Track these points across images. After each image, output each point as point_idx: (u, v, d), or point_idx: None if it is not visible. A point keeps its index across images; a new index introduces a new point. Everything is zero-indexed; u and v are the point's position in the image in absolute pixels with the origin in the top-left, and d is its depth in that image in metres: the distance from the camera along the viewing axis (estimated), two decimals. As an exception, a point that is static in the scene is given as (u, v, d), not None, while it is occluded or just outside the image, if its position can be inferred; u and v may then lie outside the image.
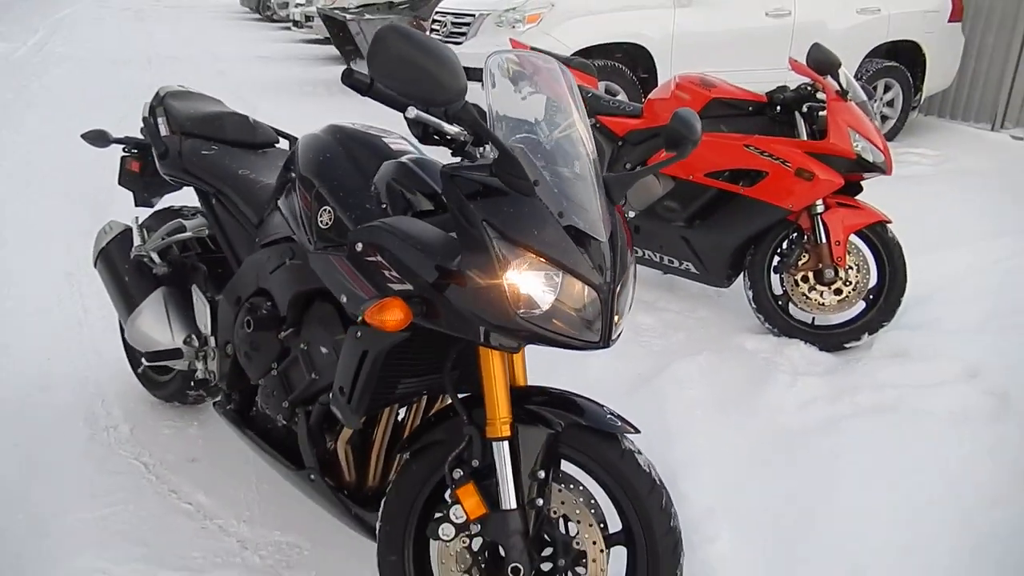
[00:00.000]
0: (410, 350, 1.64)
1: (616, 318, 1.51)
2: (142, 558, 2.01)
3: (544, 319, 1.42)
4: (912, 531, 2.10)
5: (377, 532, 1.68)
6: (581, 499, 1.60)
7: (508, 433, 1.54)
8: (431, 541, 1.67)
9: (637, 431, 1.59)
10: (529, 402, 1.60)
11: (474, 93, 1.33)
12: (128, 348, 2.73)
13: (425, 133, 1.50)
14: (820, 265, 3.15)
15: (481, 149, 1.54)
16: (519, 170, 1.41)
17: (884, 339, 3.18)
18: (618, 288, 1.50)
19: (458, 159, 1.54)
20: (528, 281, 1.41)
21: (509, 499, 1.52)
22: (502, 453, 1.53)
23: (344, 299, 1.58)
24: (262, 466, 2.20)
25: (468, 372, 1.74)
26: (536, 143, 1.50)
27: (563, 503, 1.59)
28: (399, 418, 1.96)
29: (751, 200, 3.21)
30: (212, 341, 2.18)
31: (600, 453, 1.57)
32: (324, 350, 1.75)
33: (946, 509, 2.21)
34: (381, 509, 1.69)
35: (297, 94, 8.01)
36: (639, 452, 1.60)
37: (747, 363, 3.07)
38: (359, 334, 1.60)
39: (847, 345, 3.17)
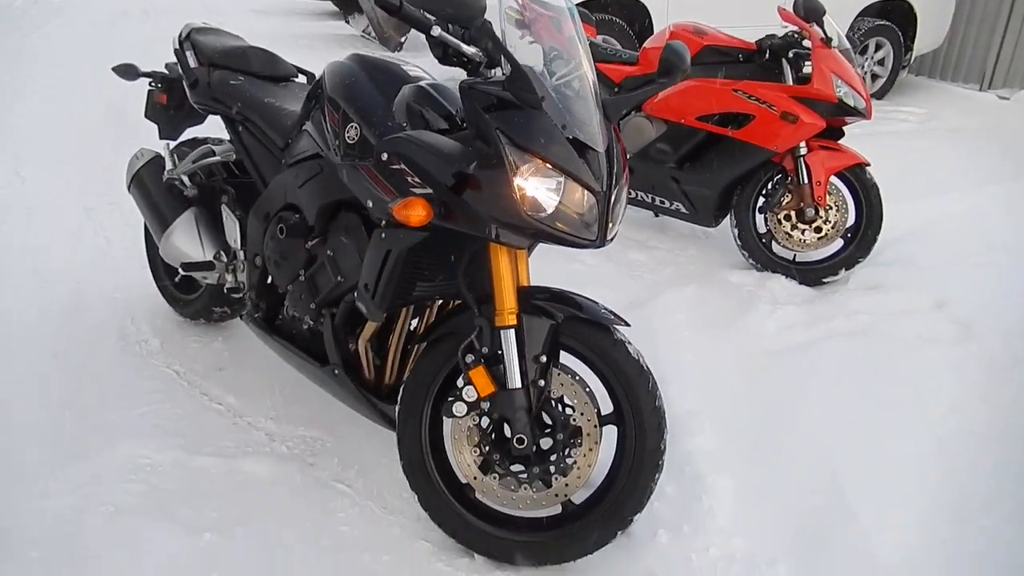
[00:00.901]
0: (427, 253, 1.85)
1: (611, 224, 1.71)
2: (180, 447, 2.24)
3: (549, 219, 1.63)
4: (882, 437, 2.33)
5: (397, 414, 1.90)
6: (577, 384, 1.82)
7: (514, 322, 1.75)
8: (444, 421, 1.89)
9: (627, 324, 1.81)
10: (533, 298, 1.81)
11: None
12: (156, 273, 2.93)
13: (445, 53, 1.69)
14: (802, 204, 3.35)
15: (494, 71, 1.72)
16: (529, 85, 1.60)
17: (860, 274, 3.40)
18: (613, 195, 1.70)
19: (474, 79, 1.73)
20: (535, 184, 1.61)
21: (514, 379, 1.74)
22: (509, 340, 1.75)
23: (370, 204, 1.78)
24: (285, 374, 2.42)
25: (477, 278, 1.94)
26: (543, 68, 1.69)
27: (562, 386, 1.82)
28: (411, 327, 2.17)
29: (739, 142, 3.40)
30: (241, 255, 2.38)
31: (595, 342, 1.79)
32: (349, 255, 1.96)
33: (914, 418, 2.44)
34: (401, 393, 1.91)
35: (293, 47, 8.04)
36: (629, 342, 1.82)
37: (731, 294, 3.29)
38: (383, 235, 1.80)
39: (825, 280, 3.39)
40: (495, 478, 1.83)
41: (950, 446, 2.31)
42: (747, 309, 3.15)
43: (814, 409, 2.49)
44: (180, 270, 2.46)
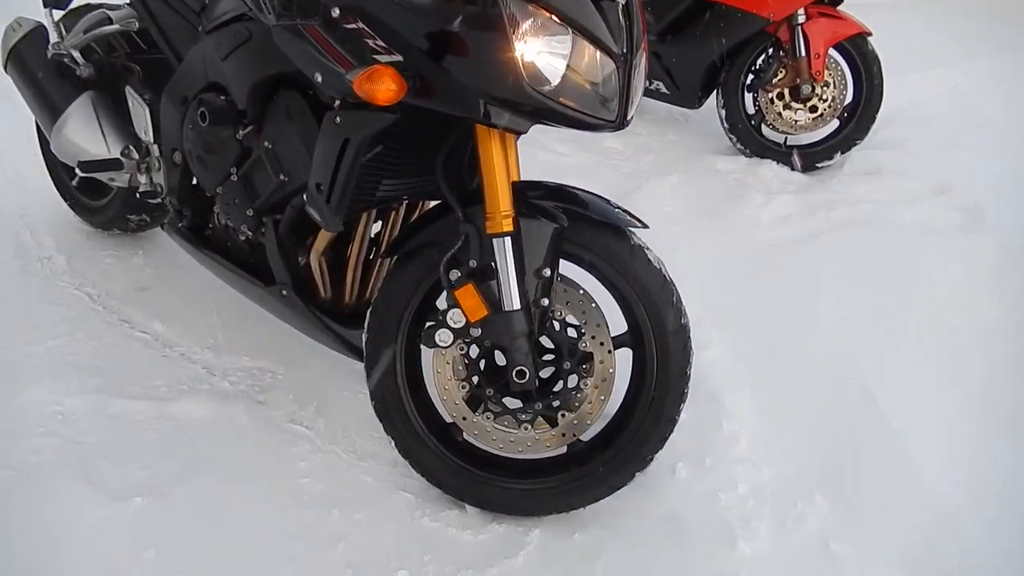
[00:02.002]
0: (396, 141, 1.46)
1: (632, 100, 1.34)
2: (98, 388, 1.85)
3: (556, 92, 1.25)
4: (899, 335, 2.10)
5: (364, 344, 1.56)
6: (584, 300, 1.50)
7: (511, 228, 1.40)
8: (423, 351, 1.56)
9: (645, 226, 1.47)
10: (529, 196, 1.45)
11: None
12: (55, 174, 2.44)
13: None
14: (797, 80, 3.02)
15: None
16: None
17: (856, 158, 3.13)
18: (634, 62, 1.32)
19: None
20: (539, 46, 1.22)
21: (512, 299, 1.41)
22: (504, 250, 1.40)
23: (319, 78, 1.36)
24: (222, 294, 2.03)
25: (462, 173, 1.57)
26: None
27: (568, 304, 1.49)
28: (374, 234, 1.80)
29: (730, 9, 3.00)
30: (155, 150, 1.93)
31: (609, 249, 1.45)
32: (293, 146, 1.55)
33: (922, 311, 2.22)
34: (367, 319, 1.56)
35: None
36: (648, 248, 1.49)
37: (720, 183, 2.99)
38: (338, 119, 1.39)
39: (820, 164, 3.11)
40: (488, 417, 1.52)
41: (968, 341, 2.10)
42: (739, 199, 2.86)
43: (823, 307, 2.24)
44: (78, 171, 1.99)
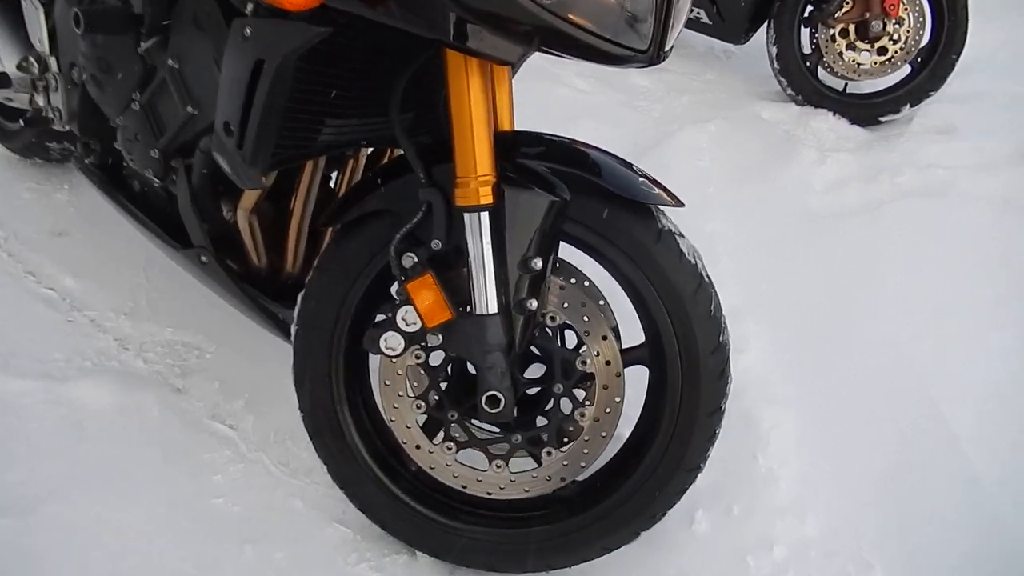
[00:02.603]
0: (331, 67, 1.04)
1: (672, 24, 0.92)
2: (-21, 360, 1.49)
3: (562, 3, 0.82)
4: (979, 337, 1.69)
5: (292, 340, 1.17)
6: (590, 300, 1.09)
7: (490, 200, 0.99)
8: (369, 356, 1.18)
9: (680, 203, 1.06)
10: (520, 154, 1.03)
11: None
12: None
13: None
14: (866, 15, 2.55)
15: None
16: None
17: (927, 113, 2.65)
18: None
19: None
20: None
21: (487, 299, 1.01)
22: (478, 230, 0.99)
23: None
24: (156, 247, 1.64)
25: (424, 118, 1.17)
26: None
27: (565, 306, 1.08)
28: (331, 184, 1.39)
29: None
30: (54, 64, 1.51)
31: (628, 235, 1.04)
32: (202, 67, 1.13)
33: (1009, 306, 1.79)
34: (297, 306, 1.17)
35: None
36: (680, 235, 1.08)
37: (765, 135, 2.53)
38: (248, 31, 0.97)
39: (883, 118, 2.64)
40: (449, 448, 1.14)
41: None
42: (787, 157, 2.41)
43: (886, 300, 1.82)
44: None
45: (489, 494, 1.15)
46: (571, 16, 0.85)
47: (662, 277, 1.05)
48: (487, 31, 0.86)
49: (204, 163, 1.21)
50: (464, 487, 1.15)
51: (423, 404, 1.13)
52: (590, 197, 1.04)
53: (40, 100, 1.56)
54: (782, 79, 2.68)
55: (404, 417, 1.14)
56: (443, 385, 1.13)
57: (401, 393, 1.13)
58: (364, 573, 1.20)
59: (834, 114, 2.63)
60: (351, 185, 1.38)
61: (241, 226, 1.30)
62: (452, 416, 1.13)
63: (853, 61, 2.64)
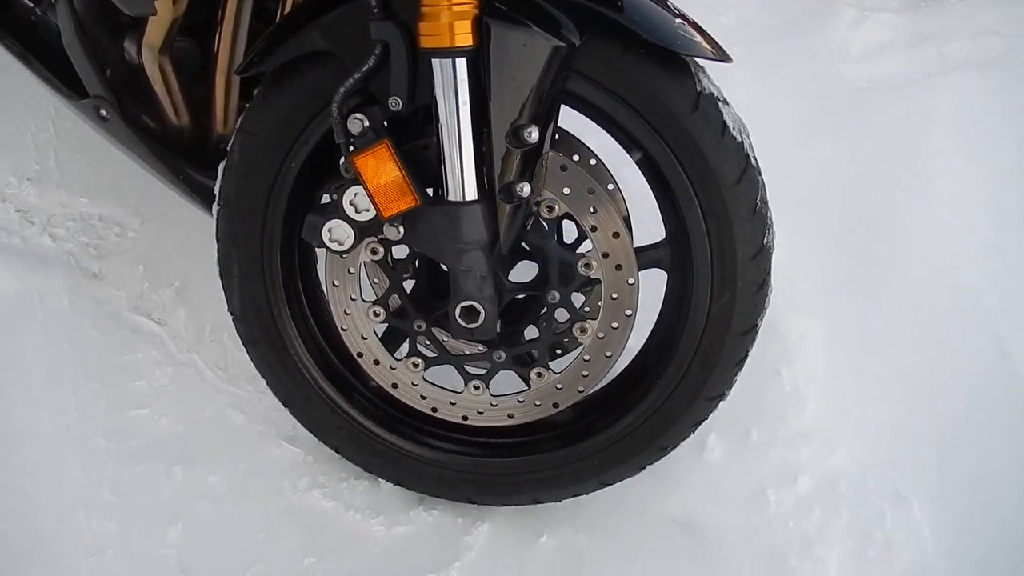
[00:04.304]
0: None
1: None
2: None
3: None
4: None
5: (215, 218, 0.92)
6: (598, 185, 0.84)
7: (469, 40, 0.71)
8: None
9: (727, 58, 0.79)
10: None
11: None
12: None
13: None
14: None
15: None
16: None
17: (983, -31, 2.29)
18: None
19: None
20: None
21: (463, 180, 0.76)
22: (452, 83, 0.72)
23: None
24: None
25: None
26: None
27: (567, 192, 0.83)
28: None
29: None
30: None
31: (654, 96, 0.77)
32: None
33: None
34: (218, 178, 0.91)
35: None
36: (725, 100, 0.82)
37: (797, -12, 2.18)
38: None
39: (933, -27, 2.28)
40: (416, 365, 0.91)
41: None
42: (821, 15, 2.06)
43: (932, 193, 1.55)
44: None
45: (465, 419, 0.93)
46: None
47: (697, 157, 0.79)
48: None
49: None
50: (435, 410, 0.93)
51: (381, 311, 0.89)
52: (605, 42, 0.76)
53: None
54: (820, -79, 2.30)
55: (358, 325, 0.90)
56: (408, 286, 0.89)
57: (354, 296, 0.89)
58: (316, 502, 1.01)
59: (877, -34, 2.28)
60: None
61: (149, 71, 1.01)
62: (419, 327, 0.89)
63: (905, -98, 2.25)
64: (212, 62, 1.04)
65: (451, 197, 0.76)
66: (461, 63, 0.72)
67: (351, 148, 0.76)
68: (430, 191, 0.79)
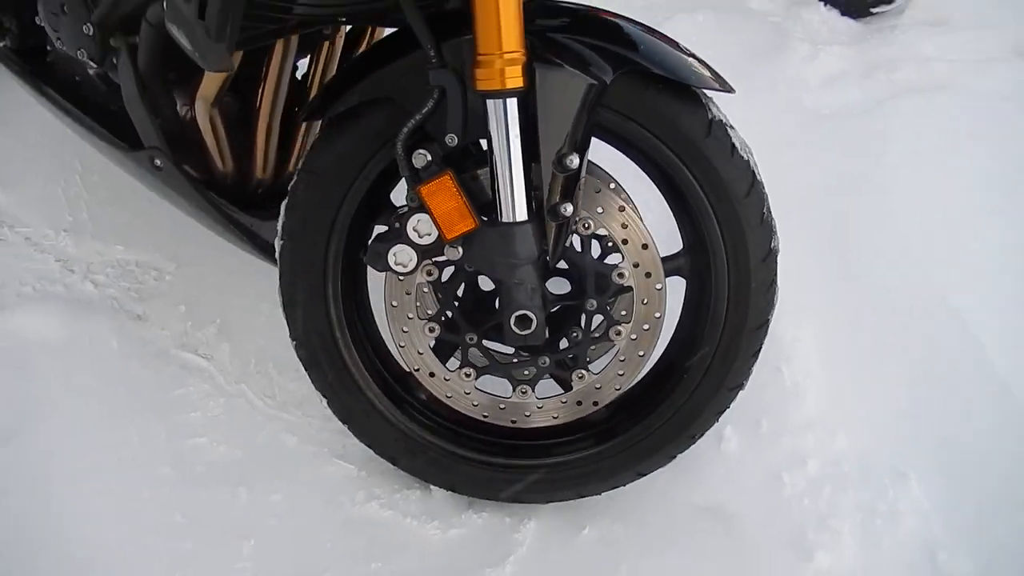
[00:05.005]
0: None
1: None
2: None
3: None
4: (980, 233, 1.60)
5: (278, 257, 1.01)
6: (624, 204, 0.95)
7: (519, 82, 0.82)
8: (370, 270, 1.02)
9: (731, 89, 0.92)
10: (549, 27, 0.87)
11: None
12: None
13: None
14: None
15: None
16: None
17: (919, 5, 2.50)
18: None
19: None
20: None
21: (515, 204, 0.86)
22: (504, 120, 0.83)
23: None
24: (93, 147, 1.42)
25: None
26: None
27: (600, 211, 0.94)
28: (298, 74, 1.20)
29: None
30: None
31: (672, 123, 0.89)
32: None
33: (1015, 203, 1.72)
34: (281, 217, 1.00)
35: None
36: (731, 126, 0.94)
37: (755, 27, 2.35)
38: None
39: (875, 9, 2.49)
40: (468, 375, 1.01)
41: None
42: (779, 50, 2.24)
43: (894, 202, 1.72)
44: None
45: (514, 422, 1.03)
46: None
47: (712, 175, 0.91)
48: None
49: (153, 41, 1.00)
50: (486, 416, 1.03)
51: (436, 327, 0.99)
52: (630, 80, 0.88)
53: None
54: (770, -35, 2.50)
55: (415, 342, 1.00)
56: (456, 302, 0.99)
57: (411, 315, 0.99)
58: (375, 512, 1.08)
59: (825, 5, 2.47)
60: (326, 75, 1.19)
61: (200, 122, 1.10)
62: (471, 339, 0.99)
63: (844, -54, 2.47)
64: (254, 112, 1.15)
65: (504, 219, 0.87)
66: (512, 102, 0.83)
67: (416, 181, 0.86)
68: (485, 215, 0.89)
